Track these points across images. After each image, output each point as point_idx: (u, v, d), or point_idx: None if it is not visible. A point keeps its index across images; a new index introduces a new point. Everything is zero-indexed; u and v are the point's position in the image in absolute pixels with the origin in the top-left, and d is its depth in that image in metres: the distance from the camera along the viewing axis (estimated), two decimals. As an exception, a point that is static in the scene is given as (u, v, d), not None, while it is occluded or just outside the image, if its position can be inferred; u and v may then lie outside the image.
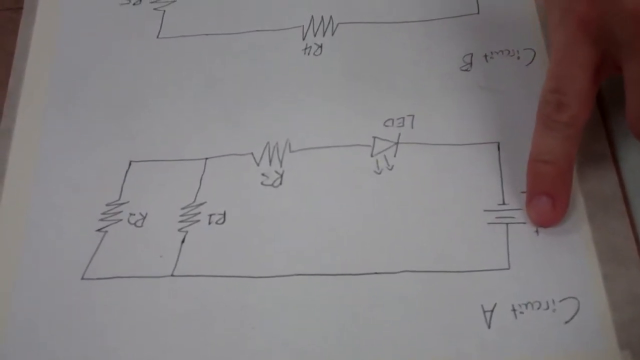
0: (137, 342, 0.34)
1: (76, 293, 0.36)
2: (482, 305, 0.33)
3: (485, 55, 0.41)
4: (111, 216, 0.38)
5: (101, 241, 0.37)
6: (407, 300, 0.34)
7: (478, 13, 0.43)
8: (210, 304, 0.35)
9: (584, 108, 0.35)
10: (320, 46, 0.43)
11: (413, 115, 0.40)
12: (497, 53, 0.41)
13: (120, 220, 0.38)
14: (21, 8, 0.46)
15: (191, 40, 0.45)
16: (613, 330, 0.32)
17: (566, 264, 0.34)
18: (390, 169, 0.38)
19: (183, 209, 0.38)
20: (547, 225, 0.35)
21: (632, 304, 0.33)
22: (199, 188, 0.38)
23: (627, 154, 0.37)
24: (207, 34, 0.45)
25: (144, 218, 0.38)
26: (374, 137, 0.39)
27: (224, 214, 0.37)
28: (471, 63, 0.41)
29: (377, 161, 0.38)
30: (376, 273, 0.35)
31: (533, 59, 0.40)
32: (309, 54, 0.43)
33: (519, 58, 0.41)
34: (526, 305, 0.33)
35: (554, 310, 0.33)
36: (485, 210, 0.36)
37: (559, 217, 0.35)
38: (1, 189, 0.40)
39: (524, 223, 0.35)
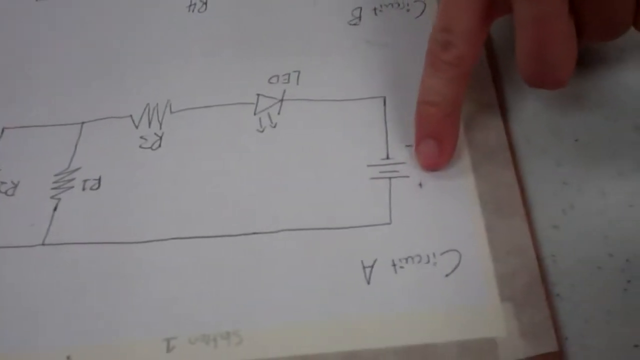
0: (8, 313, 0.33)
1: (-57, 265, 0.34)
2: (362, 261, 0.32)
3: (375, 9, 0.40)
4: (-19, 186, 0.37)
5: (-30, 212, 0.36)
6: (287, 259, 0.33)
7: (367, -35, 0.42)
8: (83, 272, 0.33)
9: (471, 48, 0.34)
10: (205, 3, 0.42)
11: (299, 72, 0.38)
12: (387, 6, 0.40)
13: (-9, 189, 0.36)
14: None
15: (70, 1, 0.43)
16: (495, 282, 0.31)
17: (449, 216, 0.33)
18: (274, 127, 0.37)
19: (56, 175, 0.36)
20: (433, 168, 0.34)
21: (514, 255, 0.32)
22: (74, 153, 0.37)
23: (515, 103, 0.37)
24: (86, -6, 0.43)
25: (16, 187, 0.36)
26: (258, 95, 0.38)
27: (99, 180, 0.36)
28: (360, 17, 0.40)
29: (260, 119, 0.37)
30: (255, 233, 0.34)
31: (423, 12, 0.39)
32: (193, 10, 0.41)
33: (408, 10, 0.40)
34: (406, 259, 0.32)
35: (434, 264, 0.32)
36: (368, 165, 0.35)
37: (445, 161, 0.34)
38: None
39: (407, 177, 0.34)
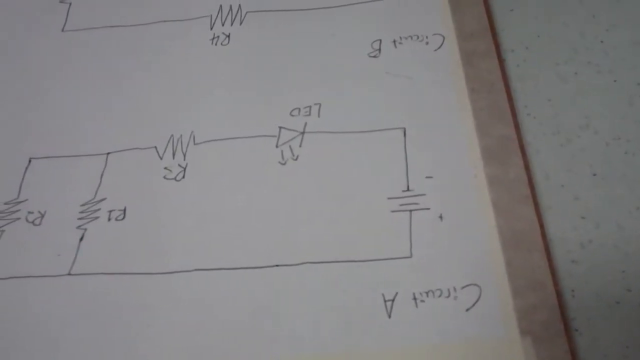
0: (33, 343, 0.33)
1: (-27, 295, 0.35)
2: (383, 295, 0.33)
3: (394, 41, 0.40)
4: (9, 215, 0.37)
5: (-2, 241, 0.36)
6: (308, 292, 0.33)
7: (387, -2, 0.42)
8: (107, 302, 0.34)
9: None
10: (228, 36, 0.42)
11: (320, 104, 0.39)
12: (406, 39, 0.40)
13: (18, 218, 0.37)
14: None
15: (96, 33, 0.43)
16: (514, 316, 0.32)
17: (469, 250, 0.34)
18: (295, 159, 0.37)
19: (82, 205, 0.37)
20: None
21: (534, 290, 0.33)
22: (100, 184, 0.37)
23: (534, 138, 0.37)
24: (112, 26, 0.43)
25: (43, 216, 0.37)
26: (280, 127, 0.38)
27: (124, 210, 0.37)
28: (380, 49, 0.40)
29: (282, 152, 0.37)
30: (277, 265, 0.34)
31: (441, 45, 0.40)
32: (216, 44, 0.42)
33: (427, 43, 0.40)
34: (427, 293, 0.33)
35: (455, 298, 0.32)
36: (389, 198, 0.35)
37: None
38: None
39: (428, 209, 0.35)
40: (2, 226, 0.37)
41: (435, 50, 0.40)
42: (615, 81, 0.38)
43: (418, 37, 0.40)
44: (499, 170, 0.36)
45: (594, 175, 0.36)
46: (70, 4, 0.44)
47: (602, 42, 0.40)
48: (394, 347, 0.32)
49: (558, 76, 0.39)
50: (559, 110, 0.38)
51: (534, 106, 0.38)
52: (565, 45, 0.40)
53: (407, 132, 0.37)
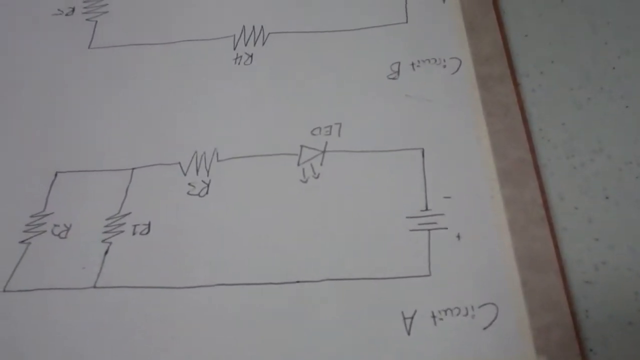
0: (57, 355, 0.34)
1: (-2, 305, 0.36)
2: (402, 312, 0.34)
3: (413, 64, 0.41)
4: (35, 227, 0.38)
5: (24, 253, 0.37)
6: (328, 308, 0.34)
7: (406, 22, 0.43)
8: (131, 315, 0.35)
9: None
10: (251, 56, 0.43)
11: (340, 124, 0.40)
12: (424, 61, 0.41)
13: (45, 231, 0.38)
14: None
15: (122, 51, 0.44)
16: (530, 336, 0.33)
17: (486, 269, 0.35)
18: (317, 178, 0.38)
19: (108, 219, 0.38)
20: None
21: (549, 310, 0.33)
22: (125, 198, 0.38)
23: (549, 160, 0.38)
24: (138, 44, 0.44)
25: (68, 229, 0.38)
26: (301, 146, 0.39)
27: (149, 225, 0.37)
28: (398, 71, 0.41)
29: (303, 170, 0.38)
30: (298, 282, 0.35)
31: (459, 68, 0.41)
32: (239, 63, 0.43)
33: (445, 67, 0.41)
34: (446, 311, 0.34)
35: (473, 316, 0.33)
36: (407, 217, 0.36)
37: None
38: None
39: (446, 229, 0.36)
40: (29, 239, 0.37)
41: (453, 73, 0.41)
42: (627, 107, 0.39)
43: (436, 61, 0.41)
44: (515, 192, 0.37)
45: (607, 198, 0.37)
46: (97, 21, 0.45)
47: (614, 68, 0.41)
48: (414, 363, 0.32)
49: (572, 101, 0.40)
50: (573, 134, 0.39)
51: (549, 130, 0.39)
52: (579, 71, 0.41)
53: (425, 153, 0.38)
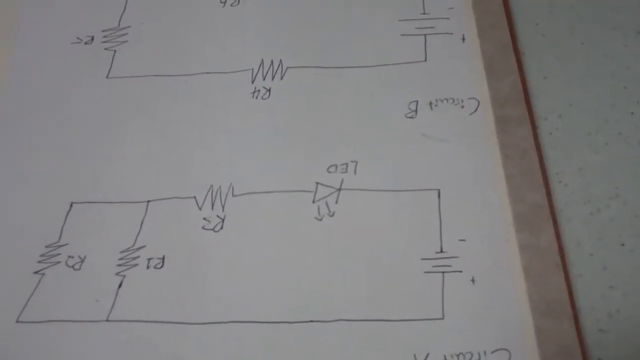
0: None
1: (11, 336, 0.36)
2: (414, 355, 0.33)
3: (430, 103, 0.41)
4: (49, 258, 0.38)
5: (38, 284, 0.37)
6: (341, 349, 0.34)
7: (425, 60, 0.43)
8: (144, 350, 0.35)
9: None
10: (269, 90, 0.43)
11: (356, 162, 0.40)
12: (442, 101, 0.41)
13: (59, 262, 0.38)
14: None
15: (140, 81, 0.44)
16: (543, 383, 0.32)
17: (500, 315, 0.34)
18: (332, 216, 0.38)
19: (122, 252, 0.38)
20: None
21: (562, 357, 0.33)
22: (139, 231, 0.38)
23: (565, 206, 0.38)
24: (156, 75, 0.44)
25: (83, 261, 0.38)
26: (317, 183, 0.39)
27: (163, 259, 0.37)
28: (416, 110, 0.41)
29: (318, 207, 0.38)
30: (311, 321, 0.35)
31: (476, 109, 0.41)
32: (257, 97, 0.43)
33: (463, 107, 0.41)
34: (458, 355, 0.33)
35: (485, 362, 0.33)
36: (422, 259, 0.36)
37: None
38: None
39: (460, 272, 0.36)
40: (43, 269, 0.38)
41: (470, 114, 0.41)
42: (645, 152, 0.39)
43: (454, 100, 0.41)
44: (530, 237, 0.36)
45: (623, 245, 0.37)
46: (115, 51, 0.46)
47: (632, 113, 0.41)
48: (425, 409, 0.32)
49: (589, 146, 0.40)
50: (590, 179, 0.39)
51: (566, 174, 0.39)
52: (597, 116, 0.41)
53: (441, 194, 0.38)
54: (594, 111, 0.41)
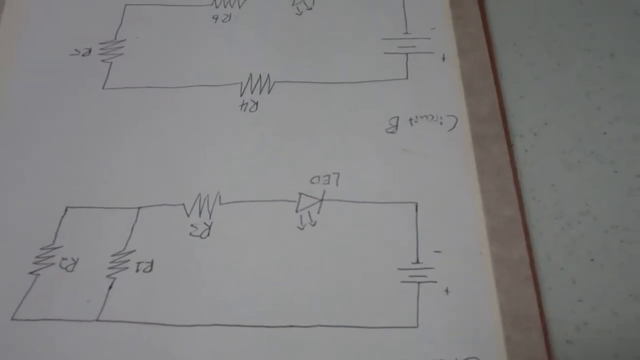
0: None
1: (6, 332, 0.37)
2: (388, 362, 0.35)
3: (411, 119, 0.43)
4: (44, 260, 0.39)
5: (33, 284, 0.39)
6: (320, 353, 0.36)
7: (407, 78, 0.45)
8: (131, 350, 0.36)
9: None
10: (257, 103, 0.45)
11: (338, 174, 0.41)
12: (422, 117, 0.43)
13: (53, 264, 0.39)
14: (-28, 54, 0.48)
15: (134, 92, 0.46)
16: (511, 390, 0.34)
17: (471, 325, 0.36)
18: (313, 225, 0.40)
19: (113, 255, 0.39)
20: None
21: (530, 365, 0.35)
22: (130, 236, 0.40)
23: (538, 221, 0.40)
24: (150, 87, 0.46)
25: (75, 263, 0.39)
26: (300, 194, 0.41)
27: (152, 263, 0.39)
28: (397, 126, 0.43)
29: (301, 217, 0.40)
30: (291, 326, 0.36)
31: (455, 125, 0.43)
32: (245, 110, 0.44)
33: (441, 124, 0.43)
34: (430, 363, 0.35)
35: (456, 369, 0.35)
36: (399, 269, 0.38)
37: None
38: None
39: (435, 282, 0.37)
40: (37, 270, 0.39)
41: (449, 130, 0.42)
42: (615, 172, 0.41)
43: (433, 117, 0.43)
44: (503, 250, 0.38)
45: (592, 260, 0.38)
46: (112, 63, 0.47)
47: (605, 133, 0.42)
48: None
49: (563, 163, 0.41)
50: (562, 195, 0.40)
51: (539, 190, 0.41)
52: (571, 135, 0.42)
53: (418, 207, 0.40)
54: (568, 130, 0.43)
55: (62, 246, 0.40)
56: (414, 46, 0.46)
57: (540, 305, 0.37)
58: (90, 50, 0.48)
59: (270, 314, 0.37)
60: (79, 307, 0.38)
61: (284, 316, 0.37)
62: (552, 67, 0.45)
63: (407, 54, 0.46)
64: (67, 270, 0.39)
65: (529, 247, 0.38)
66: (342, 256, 0.39)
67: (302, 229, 0.40)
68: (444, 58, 0.45)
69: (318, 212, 0.40)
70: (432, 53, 0.45)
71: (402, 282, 0.38)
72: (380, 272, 0.38)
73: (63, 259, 0.40)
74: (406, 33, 0.46)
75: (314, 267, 0.38)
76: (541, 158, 0.42)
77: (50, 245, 0.40)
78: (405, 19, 0.47)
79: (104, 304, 0.38)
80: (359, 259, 0.38)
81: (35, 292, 0.38)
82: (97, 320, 0.37)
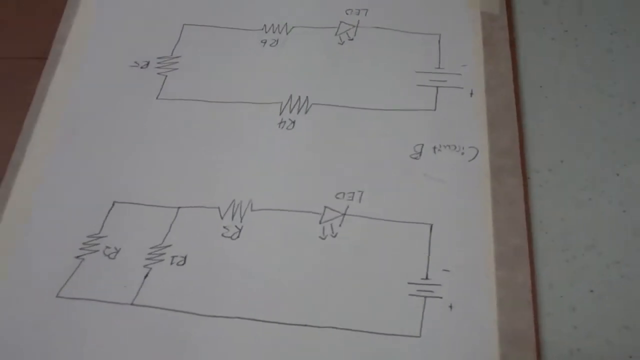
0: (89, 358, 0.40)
1: (50, 307, 0.42)
2: (390, 366, 0.38)
3: (434, 147, 0.46)
4: (90, 246, 0.44)
5: (78, 267, 0.43)
6: (328, 352, 0.39)
7: (435, 110, 0.48)
8: (160, 332, 0.40)
9: None
10: (294, 122, 0.48)
11: (362, 192, 0.45)
12: (445, 147, 0.46)
13: (97, 251, 0.44)
14: (46, 59, 0.53)
15: (184, 104, 0.50)
16: (504, 405, 0.37)
17: (471, 339, 0.39)
18: (334, 237, 0.43)
19: (151, 248, 0.44)
20: None
21: (522, 383, 0.38)
22: (168, 232, 0.44)
23: (544, 251, 0.42)
24: (198, 100, 0.50)
25: (117, 252, 0.44)
26: (325, 207, 0.44)
27: (185, 257, 0.43)
28: (421, 152, 0.46)
29: (323, 228, 0.43)
30: (305, 325, 0.40)
31: (475, 156, 0.46)
32: (282, 127, 0.48)
33: (463, 154, 0.46)
34: (429, 372, 0.38)
35: (453, 380, 0.38)
36: (409, 283, 0.41)
37: None
38: (3, 209, 0.46)
39: (441, 298, 0.40)
40: (83, 255, 0.44)
41: (469, 160, 0.45)
42: (624, 211, 0.43)
43: (456, 147, 0.46)
44: (508, 275, 0.41)
45: (592, 291, 0.41)
46: (167, 76, 0.52)
47: (617, 175, 0.45)
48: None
49: (574, 200, 0.44)
50: (571, 230, 0.43)
51: (548, 223, 0.43)
52: (585, 174, 0.45)
53: (433, 228, 0.43)
54: (583, 169, 0.45)
55: (106, 236, 0.44)
56: (445, 80, 0.49)
57: (537, 328, 0.39)
58: (148, 64, 0.52)
59: (287, 313, 0.40)
60: (117, 291, 0.42)
61: (299, 315, 0.40)
62: (574, 110, 0.48)
63: (437, 87, 0.49)
64: (109, 258, 0.43)
65: (533, 274, 0.41)
66: (358, 266, 0.42)
67: (323, 239, 0.43)
68: (471, 93, 0.48)
69: (340, 225, 0.44)
70: (462, 88, 0.49)
71: (410, 294, 0.41)
72: (391, 284, 0.41)
73: (107, 247, 0.44)
74: (438, 68, 0.50)
75: (331, 274, 0.42)
76: (554, 193, 0.44)
77: (96, 234, 0.45)
78: (439, 55, 0.51)
79: (139, 290, 0.42)
80: (373, 270, 0.42)
81: (79, 274, 0.43)
82: (132, 304, 0.42)
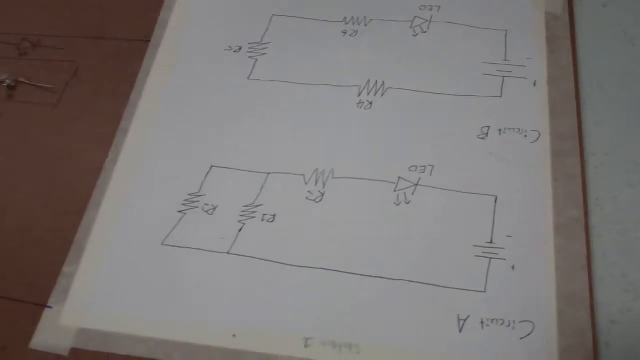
0: (192, 296, 0.46)
1: (156, 253, 0.48)
2: (458, 315, 0.43)
3: (500, 130, 0.51)
4: (190, 203, 0.50)
5: (180, 220, 0.49)
6: (400, 303, 0.44)
7: (500, 96, 0.52)
8: (252, 277, 0.46)
9: None
10: (371, 103, 0.53)
11: (433, 166, 0.50)
12: (510, 130, 0.51)
13: (197, 207, 0.49)
14: (149, 41, 0.59)
15: (273, 84, 0.56)
16: (557, 354, 0.41)
17: (531, 296, 0.43)
18: (408, 203, 0.48)
19: (245, 206, 0.49)
20: None
21: (576, 336, 0.42)
22: (259, 194, 0.50)
23: (599, 224, 0.47)
24: (286, 81, 0.56)
25: (215, 209, 0.49)
26: (399, 177, 0.49)
27: (274, 216, 0.48)
28: (487, 134, 0.51)
29: (398, 196, 0.48)
30: (381, 277, 0.45)
31: (537, 139, 0.50)
32: (361, 107, 0.53)
33: (526, 136, 0.50)
34: (492, 320, 0.43)
35: (513, 328, 0.42)
36: (475, 246, 0.46)
37: None
38: (113, 170, 0.52)
39: (504, 260, 0.45)
40: (185, 210, 0.49)
41: (532, 142, 0.50)
42: (673, 192, 0.48)
43: (519, 130, 0.51)
44: (565, 243, 0.45)
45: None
46: (257, 60, 0.57)
47: (669, 160, 0.49)
48: (460, 357, 0.42)
49: (626, 181, 0.48)
50: (623, 206, 0.47)
51: (603, 200, 0.47)
52: (636, 158, 0.49)
53: (497, 199, 0.48)
54: (635, 154, 0.49)
55: (205, 195, 0.50)
56: (510, 71, 0.54)
57: (590, 290, 0.43)
58: (240, 48, 0.58)
59: (364, 266, 0.46)
60: (214, 242, 0.48)
61: (375, 268, 0.45)
62: (628, 102, 0.52)
63: (503, 77, 0.54)
64: (208, 214, 0.49)
65: (588, 243, 0.45)
66: (429, 229, 0.47)
67: (397, 205, 0.48)
68: (535, 84, 0.53)
69: (413, 194, 0.48)
70: (526, 79, 0.53)
71: (476, 256, 0.45)
72: (459, 246, 0.46)
73: (205, 204, 0.50)
74: (505, 60, 0.54)
75: (404, 235, 0.47)
76: (608, 174, 0.49)
77: (196, 192, 0.50)
78: (506, 48, 0.55)
79: (234, 242, 0.48)
80: (442, 233, 0.46)
81: (181, 226, 0.49)
82: (228, 253, 0.47)
